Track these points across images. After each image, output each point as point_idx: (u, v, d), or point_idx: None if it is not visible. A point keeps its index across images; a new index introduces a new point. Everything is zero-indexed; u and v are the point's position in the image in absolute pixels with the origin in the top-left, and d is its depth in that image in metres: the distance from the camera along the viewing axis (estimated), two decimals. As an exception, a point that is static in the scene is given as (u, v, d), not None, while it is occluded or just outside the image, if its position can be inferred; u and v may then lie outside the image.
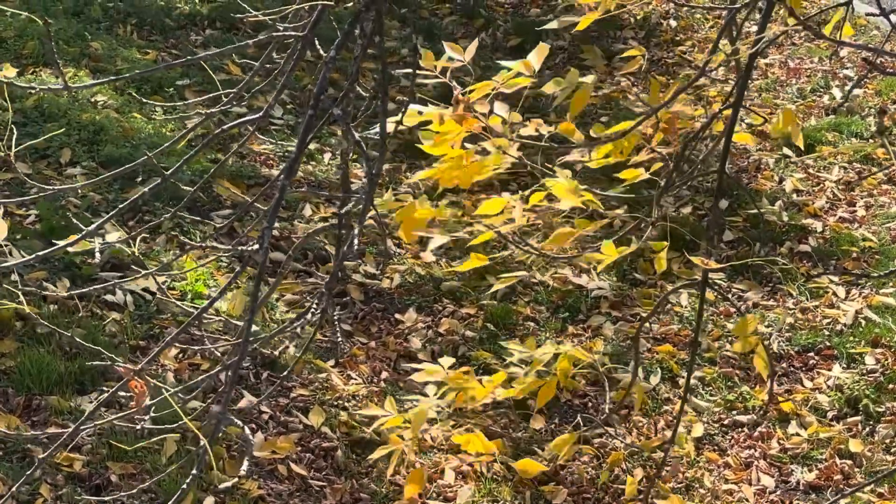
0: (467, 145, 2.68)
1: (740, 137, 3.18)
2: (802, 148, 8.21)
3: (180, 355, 5.83)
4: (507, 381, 2.97)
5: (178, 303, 5.53)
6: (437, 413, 3.03)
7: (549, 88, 2.69)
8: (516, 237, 2.91)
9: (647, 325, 6.76)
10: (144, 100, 5.85)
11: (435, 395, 2.99)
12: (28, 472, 2.40)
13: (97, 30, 8.71)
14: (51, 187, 2.40)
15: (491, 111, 2.48)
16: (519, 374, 2.97)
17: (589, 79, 2.65)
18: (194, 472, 1.88)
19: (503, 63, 2.73)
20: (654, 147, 2.69)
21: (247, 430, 1.94)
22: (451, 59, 2.75)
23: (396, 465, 3.31)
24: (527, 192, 2.78)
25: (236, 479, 4.31)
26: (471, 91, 2.60)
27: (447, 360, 3.11)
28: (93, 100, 7.65)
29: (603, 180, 5.38)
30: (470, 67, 2.76)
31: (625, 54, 3.25)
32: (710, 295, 6.53)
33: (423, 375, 2.99)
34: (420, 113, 2.58)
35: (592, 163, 2.84)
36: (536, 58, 2.65)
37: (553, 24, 2.72)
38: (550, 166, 2.81)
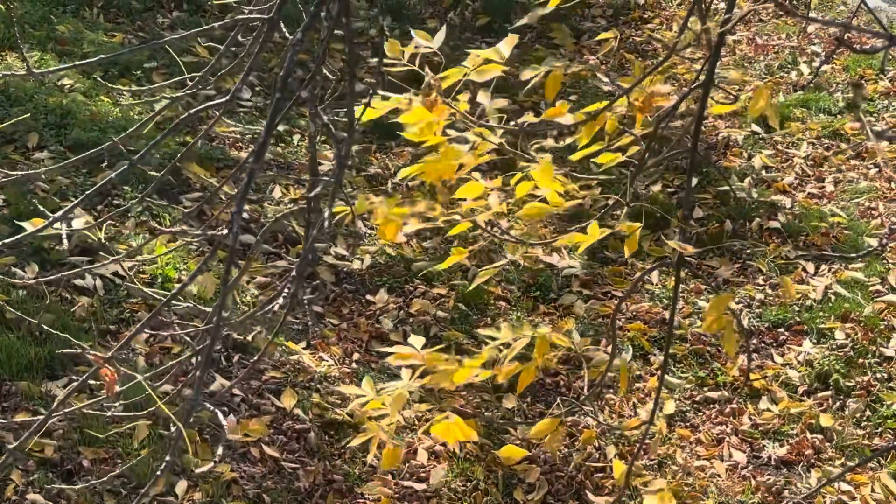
0: (448, 131, 2.66)
1: (718, 108, 3.18)
2: (777, 126, 8.24)
3: (151, 339, 5.81)
4: (490, 363, 2.94)
5: (148, 289, 5.50)
6: (410, 394, 2.96)
7: (526, 75, 2.69)
8: (493, 224, 2.90)
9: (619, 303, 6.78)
10: (111, 85, 5.79)
11: (411, 377, 2.94)
12: (-1, 462, 2.38)
13: (63, 12, 8.63)
14: (15, 173, 2.37)
15: (473, 99, 2.46)
16: (496, 355, 2.94)
17: (560, 64, 2.65)
18: (168, 458, 1.87)
19: (474, 50, 2.73)
20: (634, 132, 2.68)
21: (220, 416, 1.94)
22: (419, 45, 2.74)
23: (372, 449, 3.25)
24: (512, 182, 2.77)
25: (212, 465, 4.29)
26: (443, 77, 2.59)
27: (418, 340, 3.06)
28: (59, 84, 7.59)
29: (576, 162, 5.36)
30: (439, 52, 2.75)
31: (598, 37, 3.24)
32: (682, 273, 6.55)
33: (398, 358, 2.94)
34: (386, 99, 2.56)
35: (575, 155, 2.84)
36: (507, 46, 2.65)
37: (525, 20, 2.72)
38: (529, 153, 2.80)
